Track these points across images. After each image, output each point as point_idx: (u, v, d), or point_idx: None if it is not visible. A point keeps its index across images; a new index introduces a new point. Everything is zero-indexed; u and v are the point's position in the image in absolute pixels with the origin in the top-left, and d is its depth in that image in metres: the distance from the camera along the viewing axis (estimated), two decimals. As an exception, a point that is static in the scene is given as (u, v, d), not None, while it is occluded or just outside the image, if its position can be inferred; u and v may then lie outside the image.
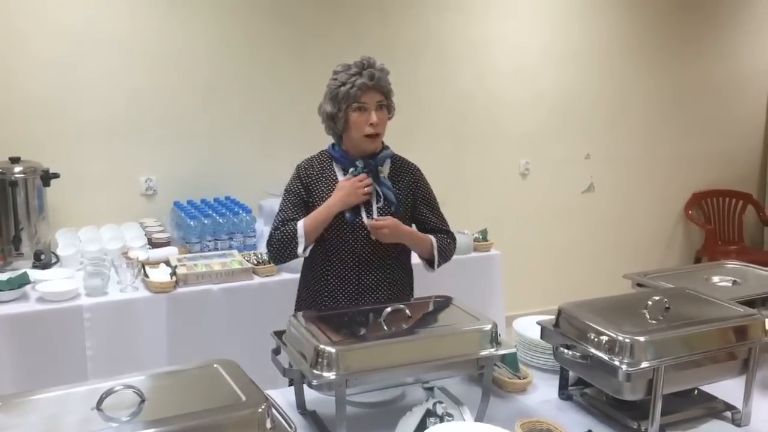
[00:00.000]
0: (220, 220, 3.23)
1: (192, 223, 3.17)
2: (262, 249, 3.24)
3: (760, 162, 5.74)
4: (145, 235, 3.30)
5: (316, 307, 2.24)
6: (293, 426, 1.37)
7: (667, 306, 1.74)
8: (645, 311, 1.74)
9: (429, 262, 2.30)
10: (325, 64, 3.88)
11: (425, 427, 1.54)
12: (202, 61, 3.67)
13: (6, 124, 3.29)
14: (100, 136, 3.49)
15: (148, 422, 1.24)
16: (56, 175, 3.14)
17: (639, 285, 2.25)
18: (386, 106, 2.21)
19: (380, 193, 2.22)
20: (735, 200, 5.50)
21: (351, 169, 2.21)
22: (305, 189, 2.26)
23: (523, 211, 4.69)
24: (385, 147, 2.28)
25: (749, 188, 5.62)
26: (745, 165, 5.65)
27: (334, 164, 2.27)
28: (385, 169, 2.27)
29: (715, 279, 2.26)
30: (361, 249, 2.21)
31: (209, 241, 3.19)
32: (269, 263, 3.06)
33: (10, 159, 3.05)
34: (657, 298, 1.75)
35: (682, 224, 5.45)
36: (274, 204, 3.55)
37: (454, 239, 2.35)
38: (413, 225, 2.33)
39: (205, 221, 3.19)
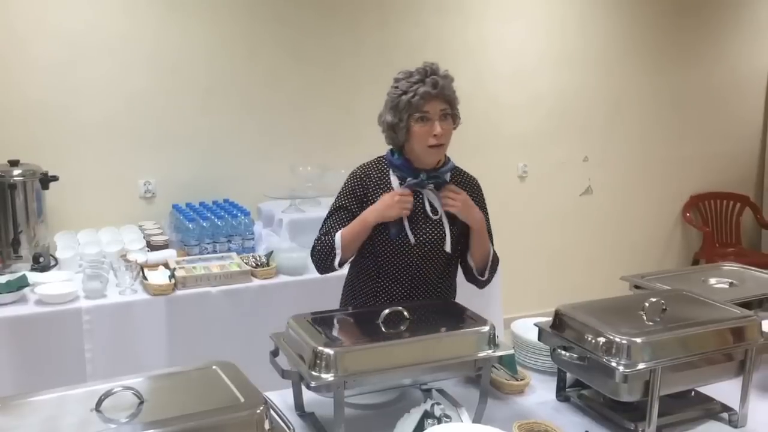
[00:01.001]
0: (219, 223, 3.23)
1: (191, 225, 3.17)
2: (261, 251, 3.25)
3: (757, 164, 5.75)
4: (144, 237, 3.30)
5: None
6: (292, 427, 1.38)
7: (664, 308, 1.75)
8: (642, 313, 1.74)
9: (479, 270, 2.14)
10: (324, 67, 3.97)
11: (423, 429, 1.55)
12: (201, 64, 3.68)
13: (5, 127, 3.30)
14: (99, 139, 3.49)
15: (147, 423, 1.24)
16: (55, 178, 3.14)
17: (636, 287, 2.26)
18: (451, 115, 2.04)
19: (436, 206, 2.08)
20: (732, 203, 5.51)
21: (408, 179, 2.05)
22: (358, 202, 2.10)
23: (521, 213, 4.70)
24: (446, 159, 2.12)
25: (747, 191, 5.63)
26: (742, 167, 5.66)
27: (390, 172, 2.11)
28: None
29: (712, 281, 2.27)
30: (415, 268, 2.09)
31: (208, 243, 3.19)
32: (267, 265, 3.07)
33: (9, 162, 3.06)
34: (654, 299, 1.76)
35: (680, 226, 5.46)
36: (272, 207, 3.57)
37: (497, 264, 2.19)
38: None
39: (204, 224, 3.20)
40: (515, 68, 4.53)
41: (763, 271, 2.36)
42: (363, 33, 4.04)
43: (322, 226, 2.14)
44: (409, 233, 2.05)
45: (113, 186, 3.54)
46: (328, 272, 2.13)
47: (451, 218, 2.09)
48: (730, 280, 2.26)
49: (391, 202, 2.01)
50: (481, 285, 2.20)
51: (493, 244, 2.20)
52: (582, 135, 4.86)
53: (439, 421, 1.57)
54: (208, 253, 3.17)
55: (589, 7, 4.73)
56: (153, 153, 3.61)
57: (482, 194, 2.23)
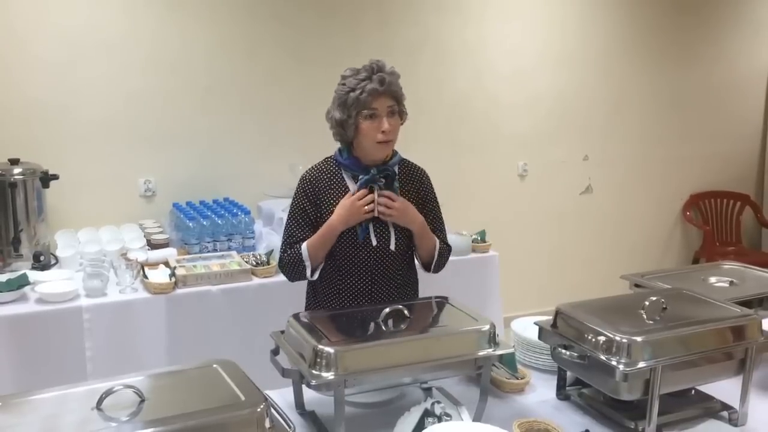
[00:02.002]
0: (219, 222, 3.23)
1: (191, 224, 3.17)
2: (261, 250, 3.24)
3: (757, 163, 5.75)
4: (144, 236, 3.31)
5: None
6: (292, 426, 1.38)
7: (664, 306, 1.75)
8: (642, 311, 1.74)
9: (425, 264, 2.23)
10: (323, 66, 3.96)
11: (423, 427, 1.55)
12: (201, 63, 3.68)
13: (5, 126, 3.30)
14: (99, 138, 3.49)
15: (147, 422, 1.24)
16: (55, 177, 3.14)
17: (636, 286, 2.26)
18: (398, 112, 2.09)
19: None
20: (733, 201, 5.51)
21: (361, 177, 2.09)
22: (312, 204, 2.13)
23: (521, 212, 4.70)
24: (394, 152, 2.17)
25: (747, 189, 5.64)
26: (742, 166, 5.66)
27: (343, 172, 2.15)
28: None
29: (713, 280, 2.27)
30: (373, 265, 2.12)
31: (208, 242, 3.19)
32: (268, 264, 3.07)
33: (10, 161, 3.06)
34: (654, 298, 1.76)
35: (680, 225, 5.46)
36: (272, 205, 3.57)
37: (449, 252, 2.27)
38: None
39: (204, 223, 3.20)
40: (515, 68, 4.52)
41: (763, 269, 2.36)
42: (363, 33, 4.04)
43: (284, 235, 2.17)
44: (373, 237, 2.10)
45: (113, 185, 3.54)
46: (299, 280, 2.18)
47: None
48: (730, 279, 2.26)
49: (353, 209, 2.05)
50: (434, 272, 2.27)
51: (444, 234, 2.26)
52: (582, 134, 4.86)
53: (440, 419, 1.57)
54: (208, 251, 3.17)
55: (589, 7, 4.73)
56: (153, 152, 3.61)
57: (431, 185, 2.27)
